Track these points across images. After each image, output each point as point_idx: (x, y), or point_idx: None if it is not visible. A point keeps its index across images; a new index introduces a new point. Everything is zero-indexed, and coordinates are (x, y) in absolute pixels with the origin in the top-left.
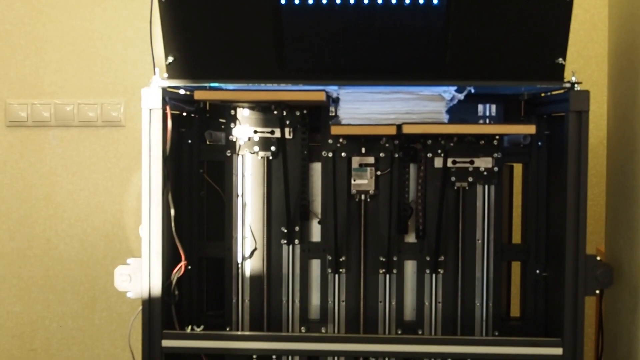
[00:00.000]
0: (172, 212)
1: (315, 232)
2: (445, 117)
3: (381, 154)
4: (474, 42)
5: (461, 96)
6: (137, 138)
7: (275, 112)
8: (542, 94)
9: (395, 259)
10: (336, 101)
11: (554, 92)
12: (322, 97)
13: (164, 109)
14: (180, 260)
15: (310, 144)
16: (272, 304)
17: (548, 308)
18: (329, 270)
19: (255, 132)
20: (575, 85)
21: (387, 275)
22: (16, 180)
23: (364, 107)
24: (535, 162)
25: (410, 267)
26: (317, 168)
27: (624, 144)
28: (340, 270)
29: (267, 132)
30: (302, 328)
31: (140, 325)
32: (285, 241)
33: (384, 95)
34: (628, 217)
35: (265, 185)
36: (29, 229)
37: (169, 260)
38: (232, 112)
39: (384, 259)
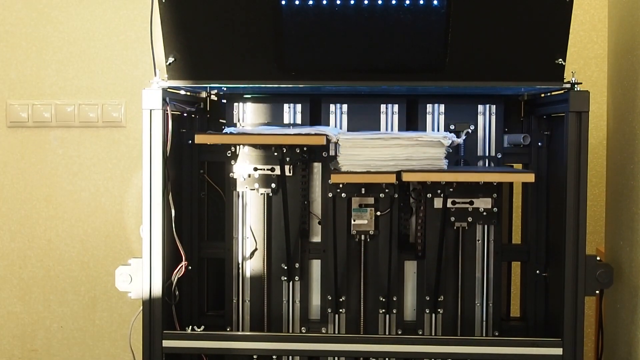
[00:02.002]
0: (173, 212)
1: (316, 231)
2: (444, 163)
3: (381, 195)
4: (474, 43)
5: (460, 141)
6: (137, 139)
7: (275, 154)
8: (542, 95)
9: (394, 299)
10: (336, 145)
11: (553, 93)
12: (322, 141)
13: (164, 110)
14: (180, 261)
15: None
16: (272, 304)
17: (548, 308)
18: (329, 310)
19: (255, 169)
20: (575, 85)
21: (387, 315)
22: (17, 180)
23: (364, 153)
24: (535, 163)
25: (410, 298)
26: (317, 168)
27: (624, 145)
28: (341, 310)
29: (267, 169)
30: (303, 328)
31: (140, 325)
32: (285, 277)
33: (383, 142)
34: (628, 218)
35: (265, 220)
36: (29, 229)
37: (170, 260)
38: (233, 148)
39: (383, 299)
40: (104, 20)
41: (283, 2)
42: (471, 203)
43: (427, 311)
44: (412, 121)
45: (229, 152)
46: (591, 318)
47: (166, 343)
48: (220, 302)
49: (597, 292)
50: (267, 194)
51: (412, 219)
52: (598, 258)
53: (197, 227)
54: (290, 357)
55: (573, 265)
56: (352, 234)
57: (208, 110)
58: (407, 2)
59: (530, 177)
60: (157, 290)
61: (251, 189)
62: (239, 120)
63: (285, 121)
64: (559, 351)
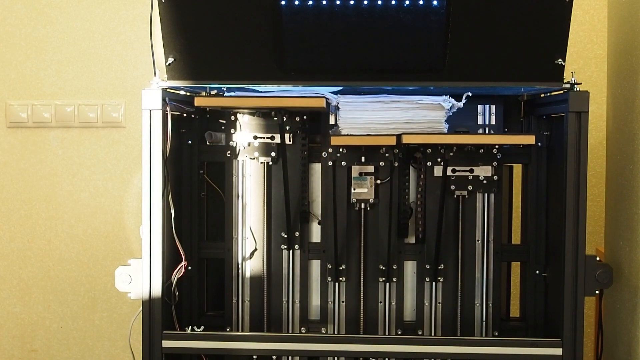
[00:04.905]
0: (173, 212)
1: (315, 233)
2: (444, 127)
3: (381, 163)
4: (473, 43)
5: (460, 104)
6: (137, 139)
7: (275, 118)
8: (542, 95)
9: (395, 267)
10: (336, 108)
11: (553, 93)
12: (322, 103)
13: (164, 110)
14: (180, 261)
15: (310, 145)
16: (272, 305)
17: (548, 308)
18: (329, 279)
19: (255, 137)
20: (575, 86)
21: (387, 284)
22: (16, 181)
23: (364, 116)
24: (534, 163)
25: (410, 268)
26: (317, 168)
27: (624, 145)
28: (341, 278)
29: (267, 138)
30: (302, 328)
31: (140, 325)
32: (285, 246)
33: (383, 105)
34: (628, 218)
35: (265, 188)
36: (29, 229)
37: (170, 260)
38: (232, 117)
39: (383, 268)
40: (104, 21)
41: (282, 2)
42: (471, 171)
43: (427, 279)
44: None
45: (230, 119)
46: (591, 318)
47: (166, 343)
48: (220, 302)
49: (597, 292)
50: (267, 163)
51: (412, 187)
52: (597, 258)
53: (197, 228)
54: (290, 357)
55: (573, 266)
56: (352, 202)
57: (208, 111)
58: (407, 2)
59: (530, 139)
60: (157, 290)
61: (251, 158)
62: (237, 121)
63: None
64: (558, 351)
